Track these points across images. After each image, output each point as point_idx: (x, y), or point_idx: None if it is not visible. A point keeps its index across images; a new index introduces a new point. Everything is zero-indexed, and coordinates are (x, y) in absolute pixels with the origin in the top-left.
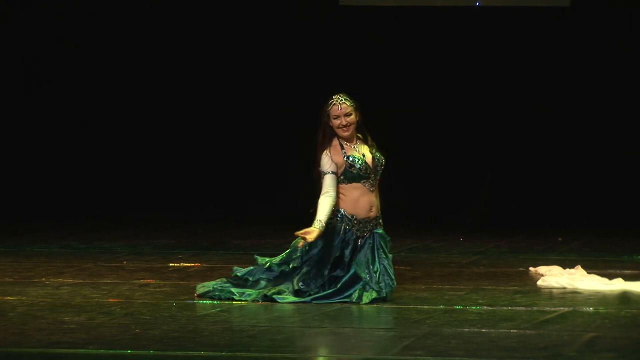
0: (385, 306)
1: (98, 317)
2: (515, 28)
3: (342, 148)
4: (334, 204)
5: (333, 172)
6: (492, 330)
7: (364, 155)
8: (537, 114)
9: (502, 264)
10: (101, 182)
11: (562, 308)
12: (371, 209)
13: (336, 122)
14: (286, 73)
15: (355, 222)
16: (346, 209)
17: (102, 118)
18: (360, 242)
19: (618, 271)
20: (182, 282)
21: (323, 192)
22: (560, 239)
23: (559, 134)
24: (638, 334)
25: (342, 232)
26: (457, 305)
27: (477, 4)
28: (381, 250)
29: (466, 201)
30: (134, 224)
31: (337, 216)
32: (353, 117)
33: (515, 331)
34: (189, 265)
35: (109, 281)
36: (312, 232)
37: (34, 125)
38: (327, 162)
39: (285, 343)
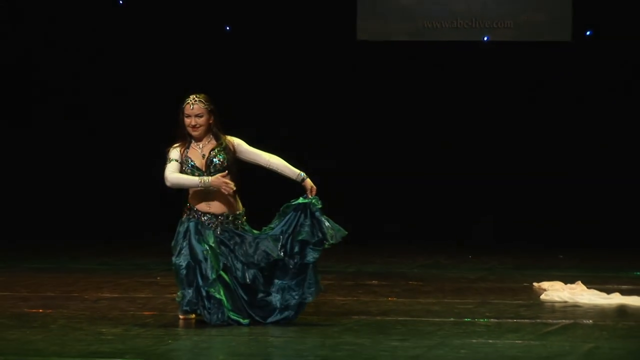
0: (399, 318)
1: (133, 329)
2: (520, 61)
3: (188, 147)
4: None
5: (177, 160)
6: (498, 341)
7: (203, 156)
8: (540, 137)
9: (507, 280)
10: (136, 202)
11: (564, 320)
12: (209, 205)
13: (187, 121)
14: (304, 106)
15: (201, 214)
16: (191, 201)
17: (135, 140)
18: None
19: (615, 286)
20: None
21: (169, 173)
22: (561, 257)
23: (560, 155)
24: (634, 345)
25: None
26: (466, 318)
27: (485, 39)
28: (224, 247)
29: (474, 222)
30: (166, 242)
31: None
32: (204, 119)
33: (519, 342)
34: None
35: (143, 295)
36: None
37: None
38: (175, 153)
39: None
